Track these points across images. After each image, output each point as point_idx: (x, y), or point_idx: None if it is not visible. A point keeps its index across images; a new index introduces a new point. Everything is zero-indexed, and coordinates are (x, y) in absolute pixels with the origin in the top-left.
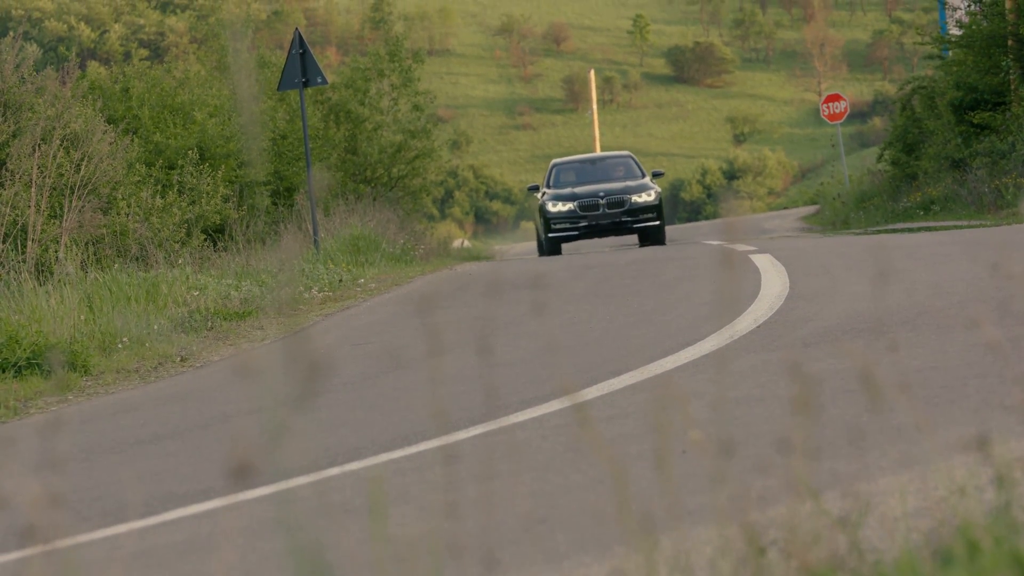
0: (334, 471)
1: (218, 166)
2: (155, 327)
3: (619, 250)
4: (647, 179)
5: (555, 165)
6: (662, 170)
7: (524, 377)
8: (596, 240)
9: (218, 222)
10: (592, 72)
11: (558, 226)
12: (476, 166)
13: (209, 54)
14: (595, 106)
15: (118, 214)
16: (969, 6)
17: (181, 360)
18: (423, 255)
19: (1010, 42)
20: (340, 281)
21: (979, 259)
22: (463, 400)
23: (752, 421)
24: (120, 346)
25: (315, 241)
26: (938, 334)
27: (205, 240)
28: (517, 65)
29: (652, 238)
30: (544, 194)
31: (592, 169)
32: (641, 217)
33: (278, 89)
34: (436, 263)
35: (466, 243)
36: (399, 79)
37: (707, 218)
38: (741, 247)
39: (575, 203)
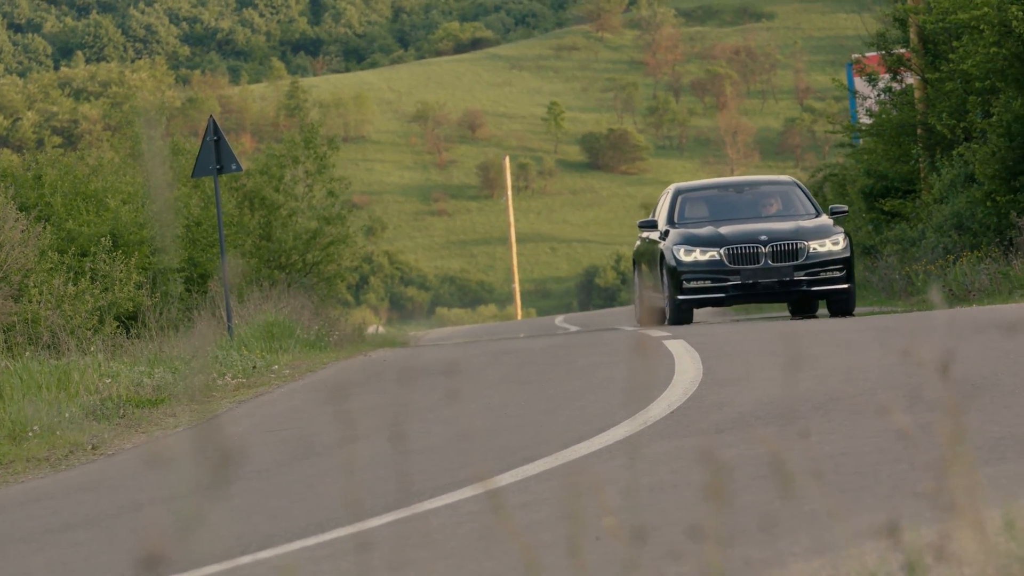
0: (246, 559)
1: (131, 253)
2: (66, 415)
3: (534, 336)
4: (826, 218)
5: (680, 192)
6: (844, 206)
7: (438, 463)
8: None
9: (131, 309)
10: (507, 159)
11: (694, 283)
12: (391, 252)
13: (123, 141)
14: (510, 192)
15: (30, 301)
16: (879, 95)
17: (92, 448)
18: (337, 341)
19: (919, 131)
20: (254, 368)
21: (890, 346)
22: (377, 487)
23: (665, 507)
24: (30, 434)
25: (229, 328)
26: (850, 420)
27: (118, 327)
28: (432, 152)
29: (840, 307)
30: (666, 234)
31: (737, 200)
32: (822, 275)
33: (192, 176)
34: (350, 349)
35: (381, 329)
36: (314, 166)
37: (622, 304)
38: (656, 333)
39: (721, 249)
